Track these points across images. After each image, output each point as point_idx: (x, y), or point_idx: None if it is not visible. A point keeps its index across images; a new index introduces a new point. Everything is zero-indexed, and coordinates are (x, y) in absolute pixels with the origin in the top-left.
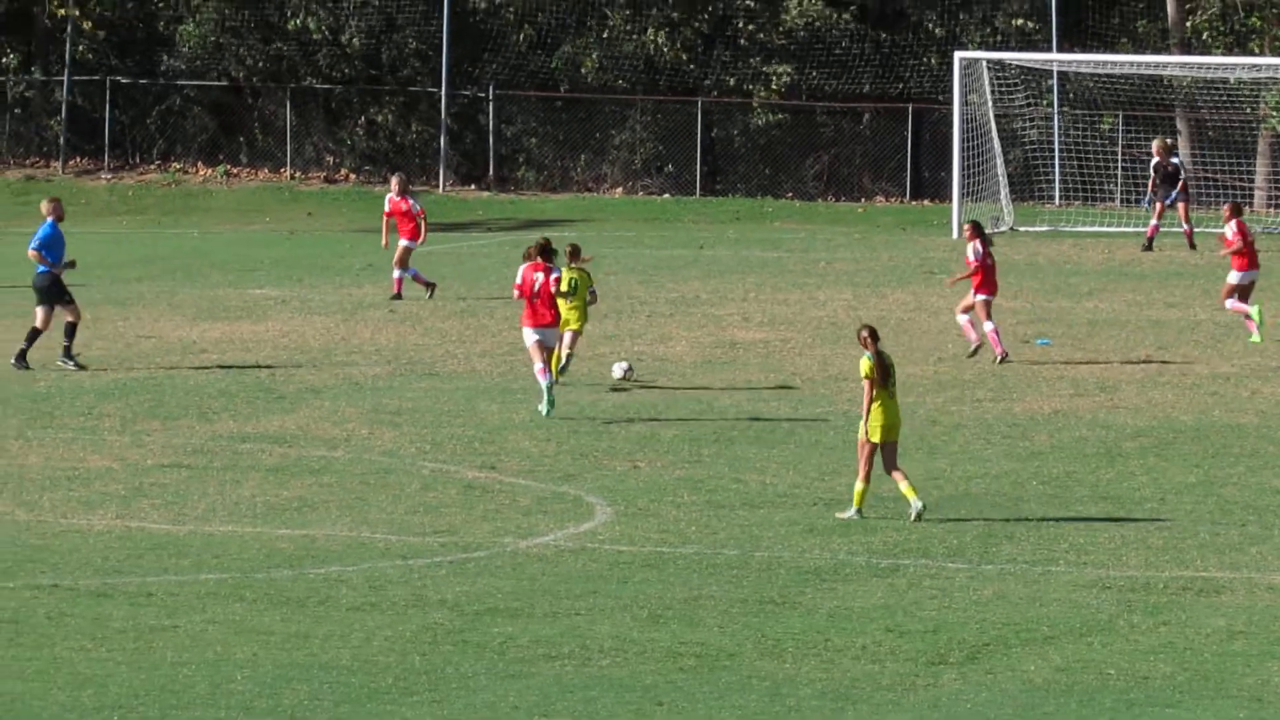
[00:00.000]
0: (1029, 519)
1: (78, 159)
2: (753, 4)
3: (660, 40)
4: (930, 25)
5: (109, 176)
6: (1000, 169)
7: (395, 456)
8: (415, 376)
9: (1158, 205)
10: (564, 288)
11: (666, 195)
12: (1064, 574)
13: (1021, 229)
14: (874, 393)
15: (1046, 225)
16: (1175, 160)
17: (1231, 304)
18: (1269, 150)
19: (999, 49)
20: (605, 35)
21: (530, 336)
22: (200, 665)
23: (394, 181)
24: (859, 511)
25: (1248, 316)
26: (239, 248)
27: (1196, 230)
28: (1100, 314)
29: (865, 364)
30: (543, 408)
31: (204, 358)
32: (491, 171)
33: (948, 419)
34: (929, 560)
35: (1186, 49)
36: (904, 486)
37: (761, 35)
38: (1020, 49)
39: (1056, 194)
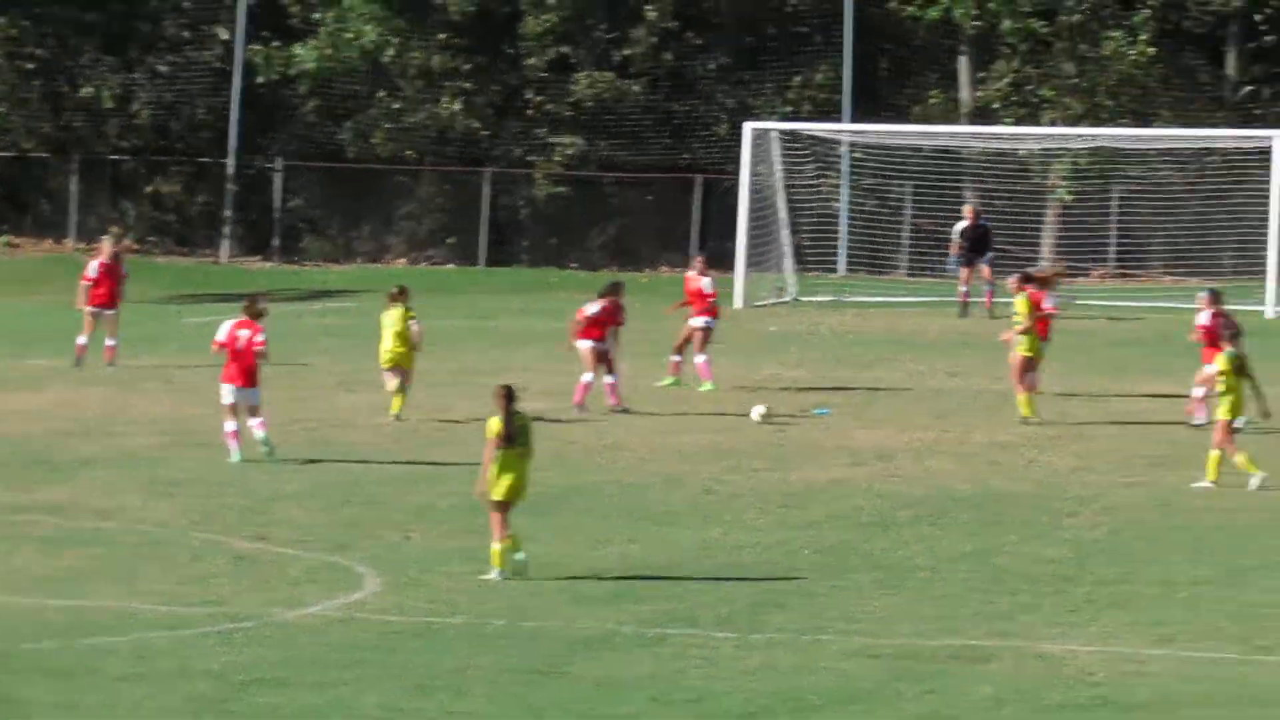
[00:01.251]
0: (800, 588)
1: None
2: (544, 75)
3: (455, 109)
4: (720, 96)
5: None
6: (785, 239)
7: (167, 527)
8: (189, 447)
9: (964, 271)
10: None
11: (451, 265)
12: (833, 643)
13: (804, 299)
14: (495, 453)
15: (831, 295)
16: (984, 224)
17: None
18: (1057, 220)
19: (790, 120)
20: (397, 106)
21: (227, 395)
22: None
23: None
24: (501, 572)
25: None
26: (19, 319)
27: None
28: (881, 383)
29: (494, 424)
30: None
31: None
32: (276, 242)
33: (723, 488)
34: (697, 630)
35: (977, 120)
36: (500, 549)
37: (551, 106)
38: (812, 119)
39: (842, 264)
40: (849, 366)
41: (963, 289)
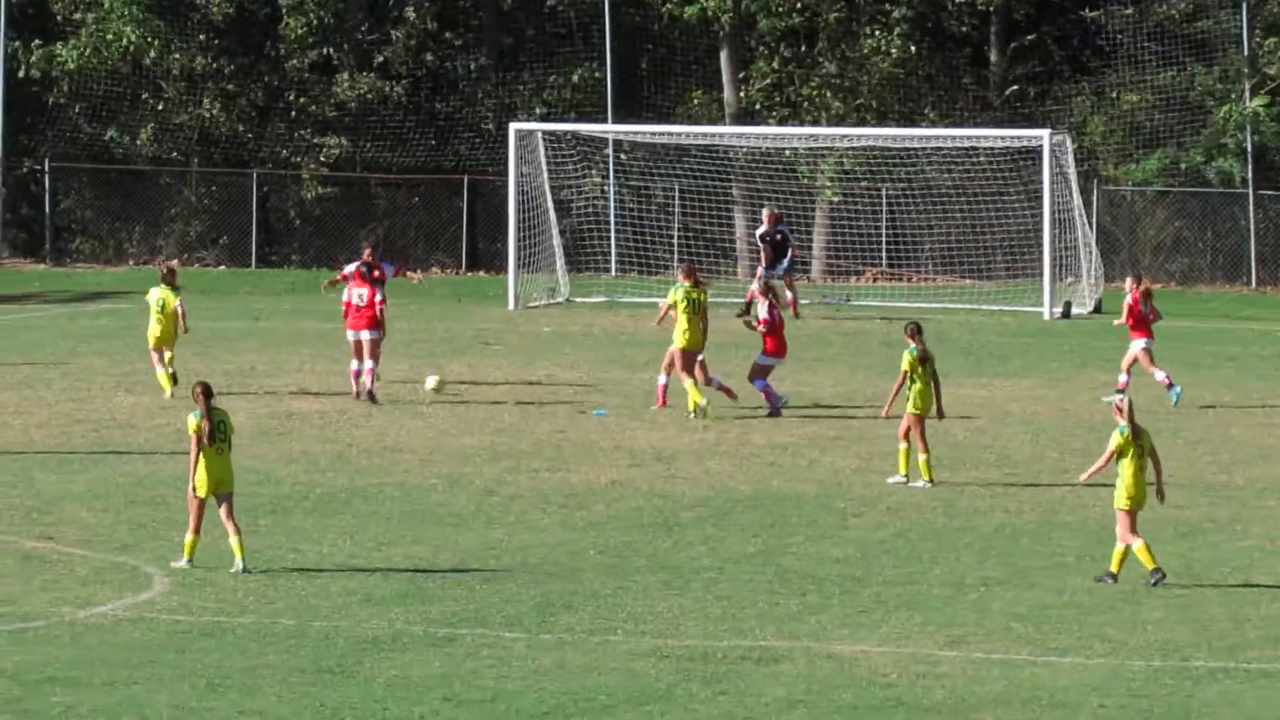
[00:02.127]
0: (586, 589)
1: None
2: (306, 75)
3: (216, 112)
4: (483, 96)
5: None
6: (555, 240)
7: None
8: None
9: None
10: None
11: (222, 266)
12: (622, 643)
13: (577, 299)
14: (198, 450)
15: (603, 295)
16: (783, 229)
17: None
18: (826, 220)
19: (554, 120)
20: (160, 107)
21: None
22: None
23: None
24: (190, 561)
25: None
26: None
27: None
28: (652, 383)
29: (193, 421)
30: None
31: None
32: (48, 244)
33: (505, 489)
34: (486, 629)
35: (742, 120)
36: (235, 542)
37: (314, 108)
38: (575, 120)
39: (613, 264)
40: (623, 367)
41: (789, 294)
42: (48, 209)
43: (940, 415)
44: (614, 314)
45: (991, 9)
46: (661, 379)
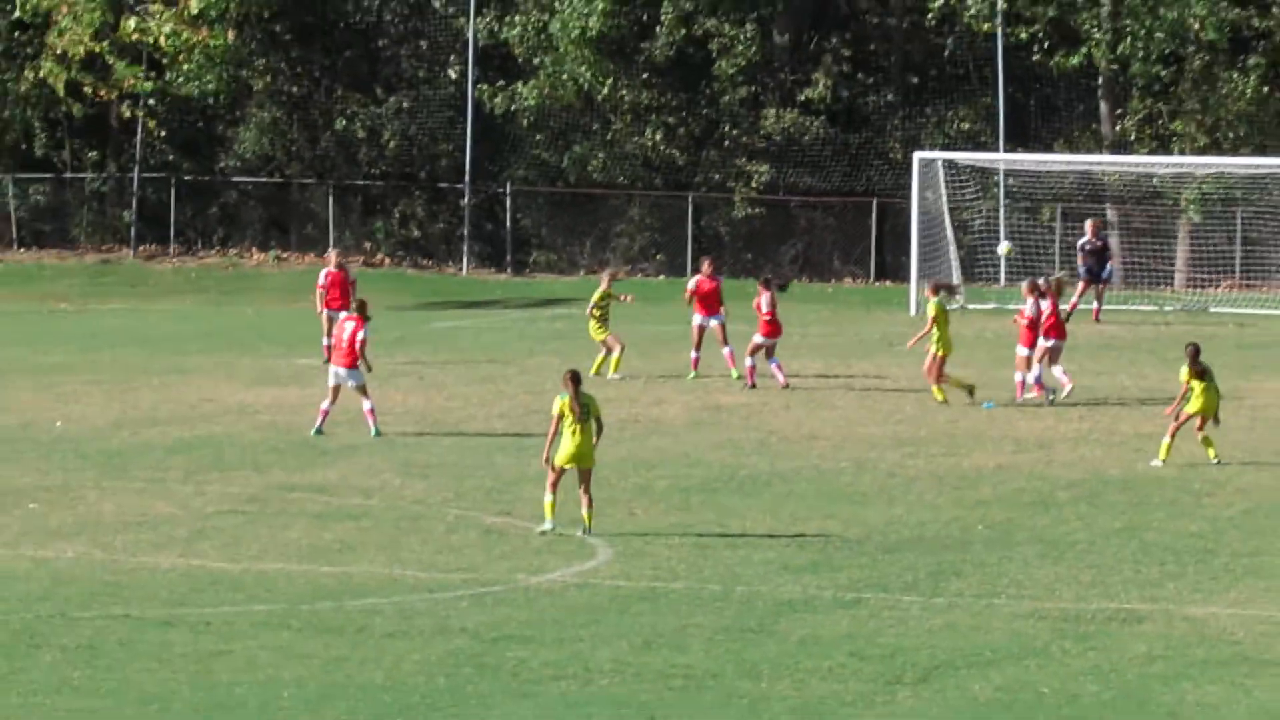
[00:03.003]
0: (974, 559)
1: (147, 245)
2: (738, 110)
3: (658, 140)
4: (891, 129)
5: (174, 261)
6: (953, 255)
7: (423, 504)
8: (440, 435)
9: (1080, 284)
10: None
11: (661, 276)
12: (1005, 606)
13: (971, 306)
14: (558, 427)
15: (994, 303)
16: (1104, 236)
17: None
18: (1188, 238)
19: (952, 150)
20: (609, 137)
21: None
22: (252, 685)
23: (333, 255)
24: (552, 523)
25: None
26: (288, 323)
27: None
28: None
29: (560, 403)
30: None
31: (257, 419)
32: (509, 256)
33: (905, 472)
34: (887, 594)
35: (1116, 150)
36: (586, 513)
37: (744, 139)
38: (971, 150)
39: (1002, 276)
40: (1010, 366)
41: (1074, 299)
42: (508, 226)
43: (1217, 421)
44: (1002, 319)
45: None
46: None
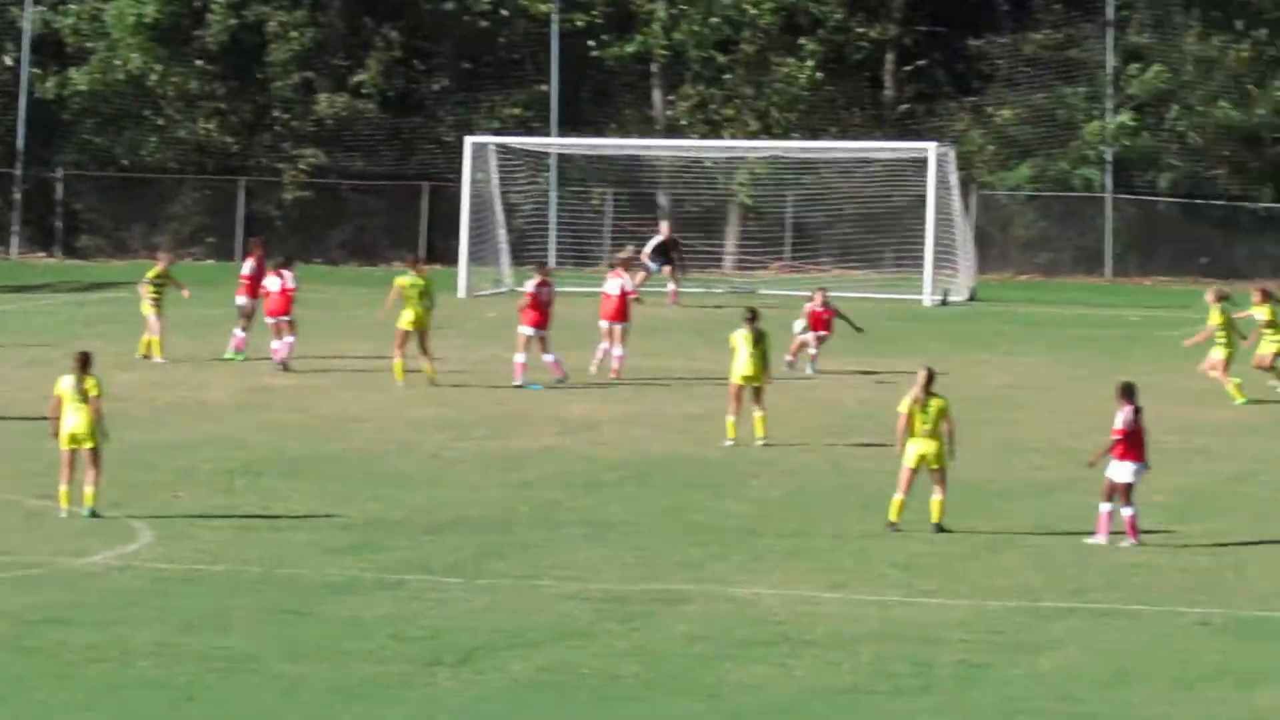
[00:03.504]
0: (518, 540)
1: None
2: (290, 95)
3: (210, 126)
4: (444, 114)
5: None
6: (502, 238)
7: None
8: None
9: (668, 269)
10: None
11: (210, 260)
12: (549, 587)
13: (520, 289)
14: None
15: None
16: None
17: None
18: (738, 221)
19: (505, 134)
20: (161, 123)
21: None
22: None
23: None
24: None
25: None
26: None
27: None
28: (586, 361)
29: (61, 382)
30: None
31: None
32: (59, 240)
33: (449, 454)
34: (430, 576)
35: (669, 135)
36: (90, 491)
37: (296, 123)
38: (524, 134)
39: (553, 258)
40: (557, 347)
41: (672, 286)
42: (59, 210)
43: (770, 380)
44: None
45: (887, 39)
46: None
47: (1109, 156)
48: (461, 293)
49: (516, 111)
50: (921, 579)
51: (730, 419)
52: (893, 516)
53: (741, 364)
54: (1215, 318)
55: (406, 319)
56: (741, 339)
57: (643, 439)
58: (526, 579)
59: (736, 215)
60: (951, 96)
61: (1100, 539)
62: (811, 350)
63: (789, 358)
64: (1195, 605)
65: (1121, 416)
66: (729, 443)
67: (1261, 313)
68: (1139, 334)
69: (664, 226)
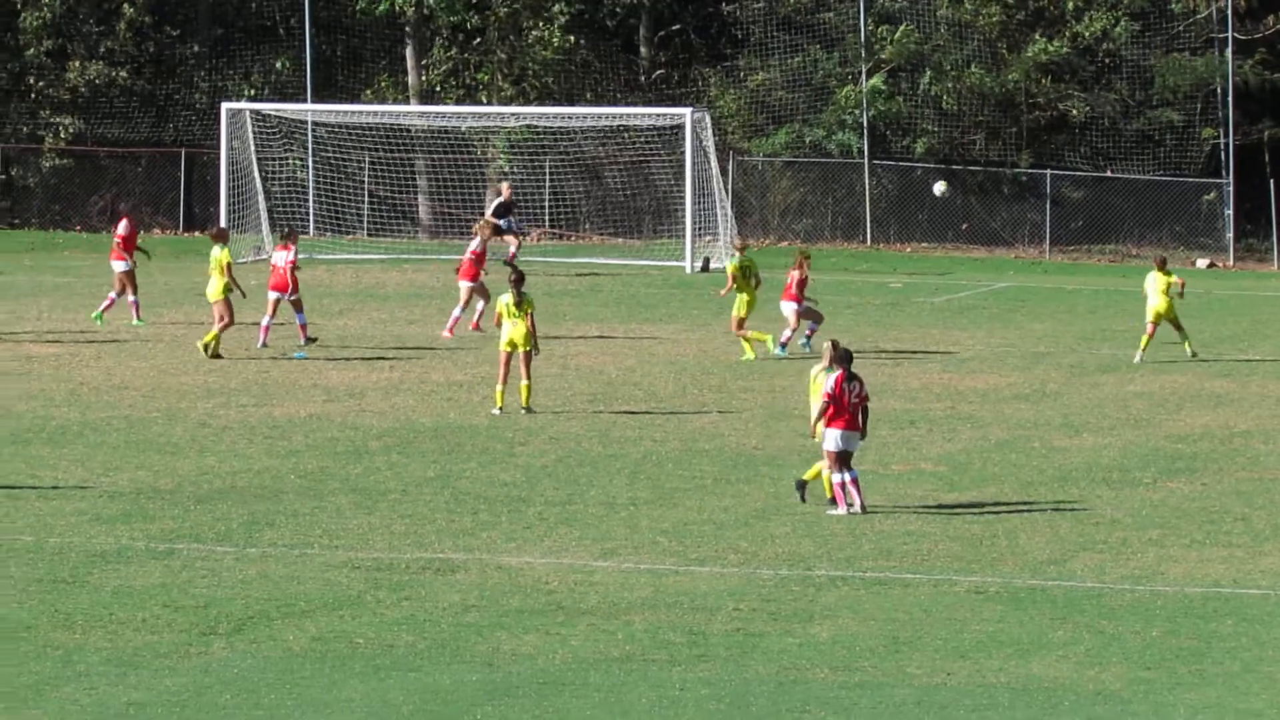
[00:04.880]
0: (287, 508)
1: None
2: (43, 62)
3: None
4: (198, 80)
5: None
6: (261, 205)
7: None
8: None
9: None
10: None
11: None
12: (318, 556)
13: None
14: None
15: (303, 254)
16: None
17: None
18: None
19: (260, 101)
20: None
21: None
22: None
23: None
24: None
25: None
26: None
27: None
28: (349, 330)
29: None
30: None
31: None
32: None
33: (216, 422)
34: (200, 545)
35: (423, 101)
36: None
37: (50, 90)
38: (279, 100)
39: (312, 226)
40: (320, 315)
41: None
42: None
43: (537, 350)
44: (312, 269)
45: (640, 4)
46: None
47: (865, 121)
48: None
49: (273, 77)
50: (693, 547)
51: (499, 387)
52: (826, 492)
53: (507, 331)
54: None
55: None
56: (506, 305)
57: (409, 407)
58: (297, 548)
59: (494, 182)
60: (706, 62)
61: (840, 510)
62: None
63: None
64: (968, 573)
65: (830, 381)
66: (496, 411)
67: None
68: (900, 300)
69: (504, 188)
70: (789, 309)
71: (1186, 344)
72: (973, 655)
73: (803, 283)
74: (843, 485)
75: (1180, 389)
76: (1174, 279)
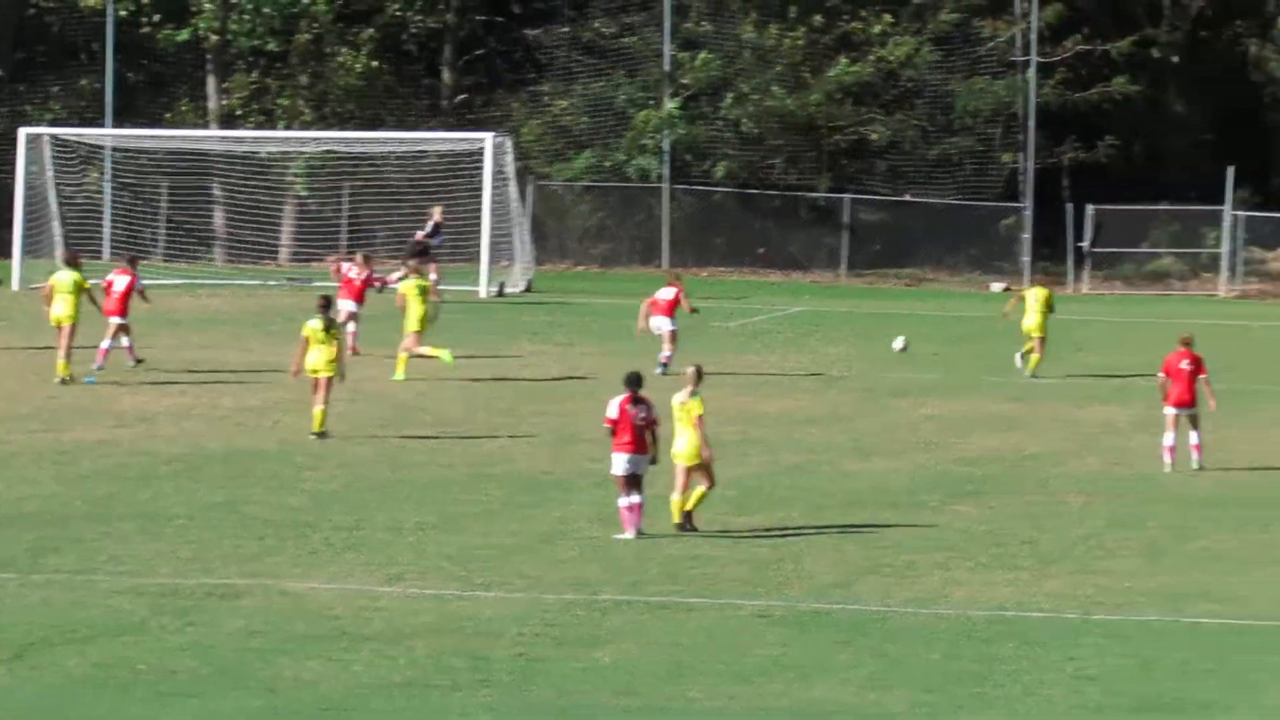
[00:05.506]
0: (73, 534)
1: None
2: None
3: None
4: None
5: None
6: (57, 230)
7: None
8: None
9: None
10: None
11: None
12: (103, 582)
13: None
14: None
15: (97, 279)
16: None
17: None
18: (294, 212)
19: (60, 125)
20: None
21: None
22: None
23: None
24: None
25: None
26: None
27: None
28: (142, 355)
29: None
30: None
31: None
32: None
33: (4, 447)
34: None
35: (223, 126)
36: None
37: None
38: (79, 125)
39: (107, 250)
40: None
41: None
42: None
43: (342, 377)
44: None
45: (445, 28)
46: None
47: (665, 146)
48: (15, 285)
49: (73, 102)
50: (478, 572)
51: (318, 409)
52: (675, 517)
53: (314, 356)
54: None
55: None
56: (313, 329)
57: (198, 432)
58: (82, 573)
59: (293, 207)
60: (509, 87)
61: (627, 534)
62: None
63: None
64: (753, 597)
65: (614, 405)
66: (313, 436)
67: None
68: (696, 324)
69: (436, 211)
70: (665, 324)
71: (1033, 361)
72: (755, 680)
73: (676, 302)
74: (630, 509)
75: (970, 412)
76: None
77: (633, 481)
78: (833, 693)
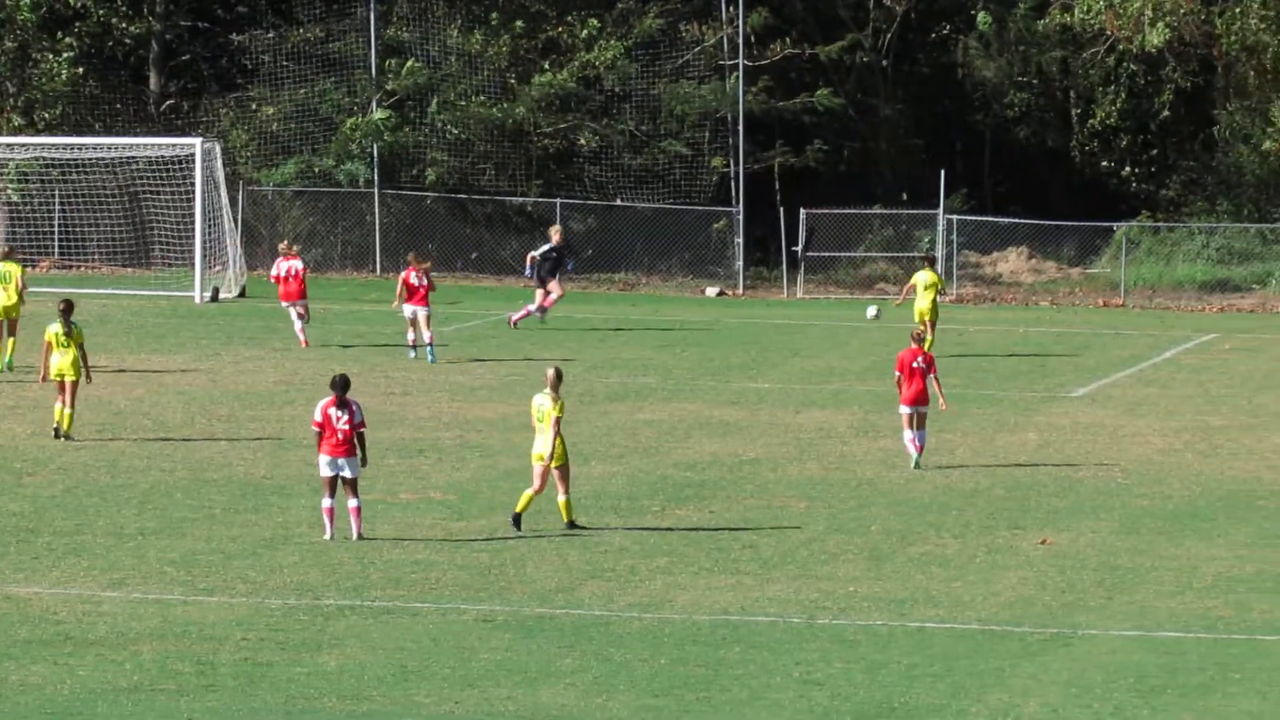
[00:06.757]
0: None
1: None
2: None
3: None
4: None
5: None
6: None
7: None
8: None
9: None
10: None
11: None
12: None
13: None
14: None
15: None
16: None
17: None
18: (5, 218)
19: None
20: None
21: None
22: None
23: None
24: None
25: None
26: None
27: None
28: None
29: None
30: None
31: None
32: None
33: None
34: None
35: None
36: None
37: None
38: None
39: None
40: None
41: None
42: None
43: (89, 379)
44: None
45: (149, 34)
46: None
47: (374, 152)
48: None
49: None
50: (201, 577)
51: (67, 411)
52: (520, 507)
53: (56, 359)
54: None
55: None
56: (55, 333)
57: None
58: None
59: (4, 214)
60: (216, 93)
61: (327, 535)
62: None
63: None
64: (477, 602)
65: (317, 408)
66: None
67: None
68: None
69: (554, 233)
70: (422, 312)
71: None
72: (481, 684)
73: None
74: (332, 510)
75: (689, 417)
76: (940, 279)
77: (348, 484)
78: (558, 697)
